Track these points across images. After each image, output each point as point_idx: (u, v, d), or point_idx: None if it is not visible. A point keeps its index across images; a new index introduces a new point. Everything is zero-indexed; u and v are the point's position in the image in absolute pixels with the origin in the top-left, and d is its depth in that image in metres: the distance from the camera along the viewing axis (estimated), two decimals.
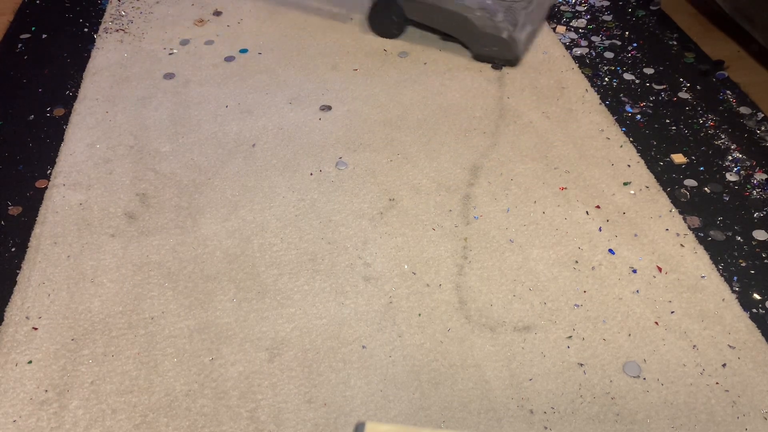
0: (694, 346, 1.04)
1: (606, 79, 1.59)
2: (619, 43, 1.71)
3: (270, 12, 1.83)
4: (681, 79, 1.59)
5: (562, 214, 1.25)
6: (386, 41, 1.71)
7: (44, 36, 1.73)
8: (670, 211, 1.25)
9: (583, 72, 1.61)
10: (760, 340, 1.04)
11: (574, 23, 1.79)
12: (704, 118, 1.47)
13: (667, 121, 1.47)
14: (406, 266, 1.16)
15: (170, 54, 1.67)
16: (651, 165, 1.35)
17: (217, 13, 1.83)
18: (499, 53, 1.60)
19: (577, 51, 1.68)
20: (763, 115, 1.47)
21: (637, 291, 1.12)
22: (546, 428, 0.94)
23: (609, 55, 1.67)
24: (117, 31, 1.75)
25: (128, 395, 0.97)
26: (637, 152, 1.38)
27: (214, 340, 1.05)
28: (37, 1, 1.86)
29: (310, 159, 1.37)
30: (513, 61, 1.62)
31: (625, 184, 1.31)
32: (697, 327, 1.06)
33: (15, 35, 1.73)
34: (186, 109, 1.50)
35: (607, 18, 1.81)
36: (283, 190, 1.30)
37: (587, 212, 1.25)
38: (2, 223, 1.24)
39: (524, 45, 1.64)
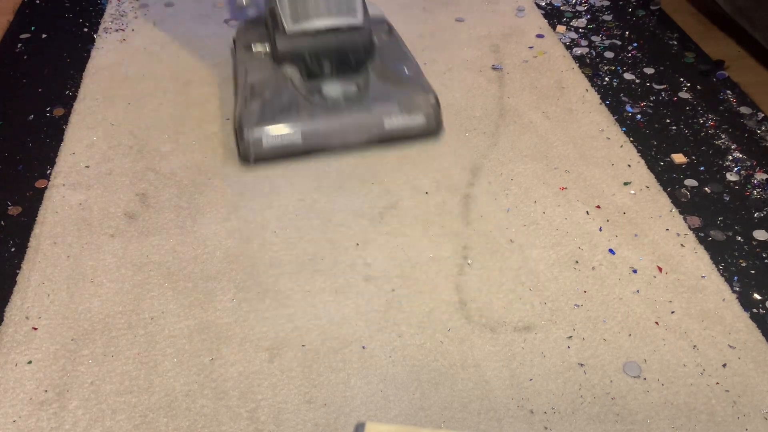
0: (695, 346, 1.04)
1: (606, 78, 1.59)
2: (619, 43, 1.71)
3: None
4: (681, 79, 1.59)
5: (562, 214, 1.25)
6: None
7: (44, 36, 1.73)
8: (671, 211, 1.25)
9: (583, 72, 1.61)
10: (760, 340, 1.04)
11: (574, 23, 1.78)
12: (704, 118, 1.47)
13: (668, 121, 1.47)
14: (406, 266, 1.16)
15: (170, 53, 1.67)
16: (651, 165, 1.35)
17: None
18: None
19: (577, 51, 1.68)
20: (763, 115, 1.47)
21: (638, 291, 1.12)
22: (546, 428, 0.94)
23: (609, 54, 1.67)
24: (117, 31, 1.75)
25: (128, 395, 0.97)
26: (638, 152, 1.38)
27: (214, 340, 1.04)
28: (37, 1, 1.86)
29: (311, 158, 1.37)
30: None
31: (626, 184, 1.31)
32: (697, 327, 1.06)
33: (15, 35, 1.73)
34: (186, 109, 1.50)
35: (607, 18, 1.81)
36: (283, 190, 1.30)
37: (587, 212, 1.25)
38: (2, 223, 1.24)
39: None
